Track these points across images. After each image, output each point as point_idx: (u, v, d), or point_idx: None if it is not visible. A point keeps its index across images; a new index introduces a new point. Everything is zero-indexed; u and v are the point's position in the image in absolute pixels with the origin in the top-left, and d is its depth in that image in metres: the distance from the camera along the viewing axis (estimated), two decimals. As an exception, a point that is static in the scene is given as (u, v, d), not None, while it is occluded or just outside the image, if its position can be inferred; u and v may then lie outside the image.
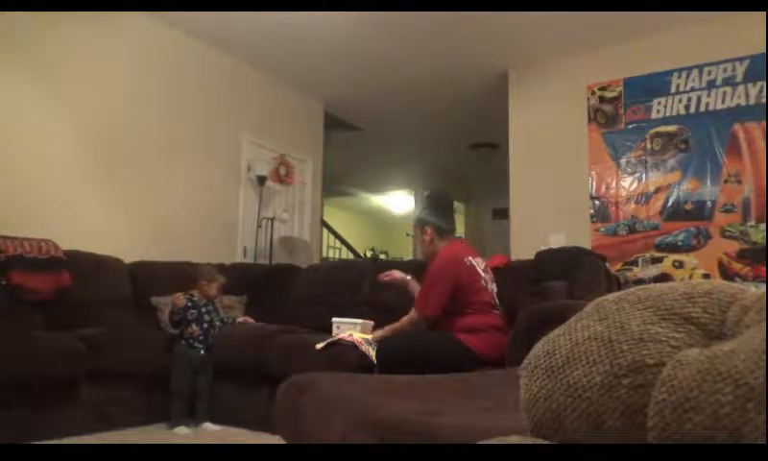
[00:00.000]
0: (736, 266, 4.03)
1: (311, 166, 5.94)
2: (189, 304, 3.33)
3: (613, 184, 4.62)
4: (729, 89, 4.19)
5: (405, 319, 2.75)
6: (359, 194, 10.73)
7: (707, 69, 4.28)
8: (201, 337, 3.29)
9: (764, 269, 3.90)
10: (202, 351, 3.27)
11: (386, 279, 3.13)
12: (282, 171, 5.48)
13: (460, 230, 8.90)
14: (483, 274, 2.77)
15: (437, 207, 2.93)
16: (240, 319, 3.64)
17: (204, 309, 3.38)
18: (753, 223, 4.01)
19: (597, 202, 4.67)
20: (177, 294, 3.35)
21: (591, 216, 4.69)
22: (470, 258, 2.77)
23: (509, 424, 0.83)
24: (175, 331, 3.32)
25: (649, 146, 4.48)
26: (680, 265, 4.25)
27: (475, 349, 2.54)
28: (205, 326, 3.33)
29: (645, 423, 0.54)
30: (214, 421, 3.16)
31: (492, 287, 2.80)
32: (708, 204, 4.19)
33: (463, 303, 2.66)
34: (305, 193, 5.88)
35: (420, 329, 2.71)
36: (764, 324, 0.53)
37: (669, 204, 4.35)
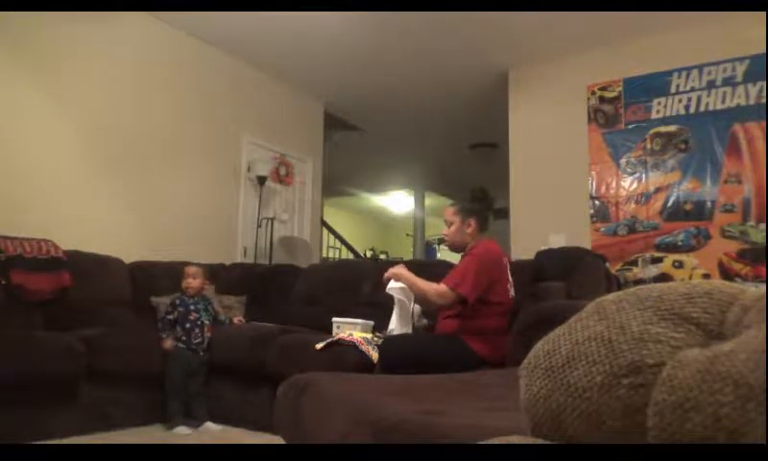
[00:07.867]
0: (736, 266, 4.03)
1: (311, 166, 5.94)
2: (177, 303, 3.34)
3: (613, 184, 4.61)
4: (729, 89, 4.18)
5: (434, 286, 2.65)
6: (359, 194, 10.73)
7: (707, 69, 4.28)
8: (183, 338, 3.28)
9: (764, 269, 3.90)
10: (200, 353, 3.27)
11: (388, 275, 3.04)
12: (282, 171, 5.48)
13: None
14: (510, 277, 2.78)
15: (483, 203, 2.93)
16: (235, 320, 3.64)
17: (192, 307, 3.36)
18: (753, 223, 4.01)
19: (597, 202, 4.67)
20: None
21: (591, 216, 4.68)
22: (505, 259, 2.80)
23: (509, 423, 0.83)
24: (162, 335, 3.30)
25: (649, 146, 4.48)
26: (680, 265, 4.25)
27: (480, 352, 2.54)
28: (188, 326, 3.31)
29: (645, 423, 0.54)
30: (214, 421, 3.16)
31: (513, 292, 2.80)
32: (708, 204, 4.19)
33: (484, 303, 2.63)
34: (305, 193, 5.89)
35: (444, 305, 2.64)
36: (764, 324, 0.53)
37: (669, 204, 4.35)
